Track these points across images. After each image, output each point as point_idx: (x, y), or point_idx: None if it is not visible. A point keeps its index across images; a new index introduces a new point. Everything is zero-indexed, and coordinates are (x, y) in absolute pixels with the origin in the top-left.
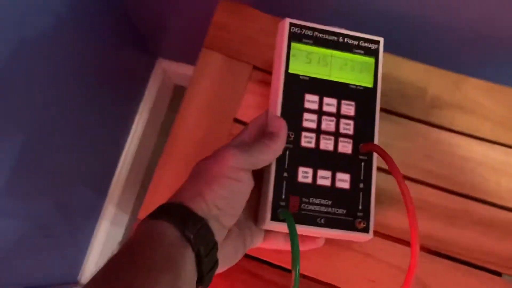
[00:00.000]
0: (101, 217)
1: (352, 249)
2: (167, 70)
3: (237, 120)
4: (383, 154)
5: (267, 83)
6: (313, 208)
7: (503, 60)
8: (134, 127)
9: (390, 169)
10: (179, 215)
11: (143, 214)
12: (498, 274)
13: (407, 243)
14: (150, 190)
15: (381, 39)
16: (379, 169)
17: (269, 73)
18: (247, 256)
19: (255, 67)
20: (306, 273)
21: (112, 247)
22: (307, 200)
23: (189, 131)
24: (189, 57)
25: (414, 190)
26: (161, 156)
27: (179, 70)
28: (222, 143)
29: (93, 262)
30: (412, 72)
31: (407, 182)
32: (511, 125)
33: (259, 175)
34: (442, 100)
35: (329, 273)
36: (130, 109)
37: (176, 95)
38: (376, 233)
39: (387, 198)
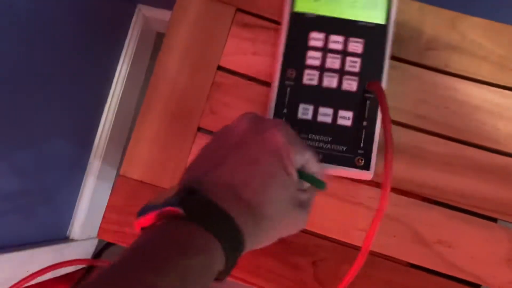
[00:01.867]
0: (87, 172)
1: (343, 200)
2: (148, 17)
3: (220, 68)
4: (380, 95)
5: (252, 26)
6: (312, 144)
7: None
8: (115, 78)
9: (381, 109)
10: (227, 235)
11: (125, 169)
12: (494, 220)
13: (403, 193)
14: (131, 145)
15: None
16: None
17: (254, 15)
18: None
19: (239, 9)
20: None
21: (100, 202)
22: (305, 136)
23: (169, 81)
24: (171, 1)
25: (408, 136)
26: (141, 108)
27: (161, 17)
28: (205, 93)
29: (81, 217)
30: (406, 11)
31: (401, 128)
32: (510, 66)
33: None
34: (438, 41)
35: (320, 224)
36: (111, 60)
37: (159, 44)
38: (367, 183)
39: (382, 146)
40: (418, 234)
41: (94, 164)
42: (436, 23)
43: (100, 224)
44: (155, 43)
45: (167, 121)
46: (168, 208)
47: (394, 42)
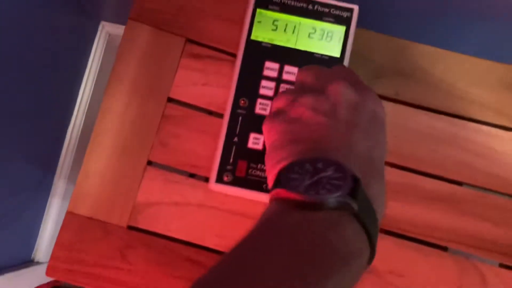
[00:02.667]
0: (52, 193)
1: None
2: (112, 34)
3: (170, 99)
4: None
5: (202, 57)
6: (260, 174)
7: (450, 23)
8: (79, 97)
9: None
10: (375, 231)
11: (73, 205)
12: (445, 248)
13: None
14: (79, 180)
15: (355, 7)
16: None
17: (205, 45)
18: (186, 243)
19: (189, 40)
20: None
21: None
22: (255, 166)
23: (117, 114)
24: None
25: None
26: (89, 143)
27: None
28: (155, 126)
29: (47, 239)
30: (356, 40)
31: None
32: (459, 94)
33: None
34: (388, 69)
35: None
36: (74, 79)
37: None
38: None
39: None
40: (372, 265)
41: (59, 184)
42: (386, 51)
43: (49, 262)
44: None
45: (116, 155)
46: (337, 200)
47: None
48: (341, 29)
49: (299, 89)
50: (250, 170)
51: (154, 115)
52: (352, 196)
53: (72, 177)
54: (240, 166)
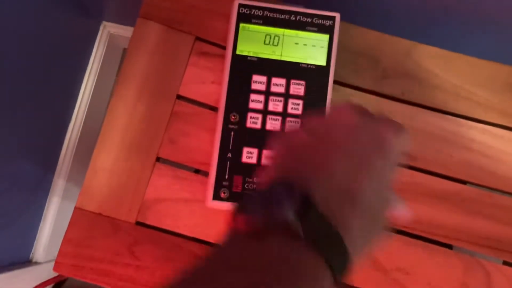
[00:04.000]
0: (51, 192)
1: None
2: (114, 34)
3: (180, 97)
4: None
5: (211, 55)
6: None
7: (455, 25)
8: (80, 96)
9: None
10: (338, 259)
11: (81, 201)
12: (449, 246)
13: None
14: (87, 176)
15: (337, 15)
16: None
17: (213, 44)
18: (194, 240)
19: (198, 38)
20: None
21: (65, 222)
22: (251, 180)
23: (127, 110)
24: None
25: None
26: (98, 139)
27: (127, 34)
28: (164, 123)
29: (45, 239)
30: (364, 40)
31: None
32: (464, 94)
33: None
34: (394, 70)
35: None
36: (75, 78)
37: None
38: None
39: None
40: (377, 261)
41: (59, 183)
42: (393, 52)
43: (56, 258)
44: (121, 59)
45: (125, 152)
46: (282, 219)
47: (352, 70)
48: (325, 37)
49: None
50: (246, 185)
51: (163, 112)
52: (300, 217)
53: (72, 176)
54: (236, 181)
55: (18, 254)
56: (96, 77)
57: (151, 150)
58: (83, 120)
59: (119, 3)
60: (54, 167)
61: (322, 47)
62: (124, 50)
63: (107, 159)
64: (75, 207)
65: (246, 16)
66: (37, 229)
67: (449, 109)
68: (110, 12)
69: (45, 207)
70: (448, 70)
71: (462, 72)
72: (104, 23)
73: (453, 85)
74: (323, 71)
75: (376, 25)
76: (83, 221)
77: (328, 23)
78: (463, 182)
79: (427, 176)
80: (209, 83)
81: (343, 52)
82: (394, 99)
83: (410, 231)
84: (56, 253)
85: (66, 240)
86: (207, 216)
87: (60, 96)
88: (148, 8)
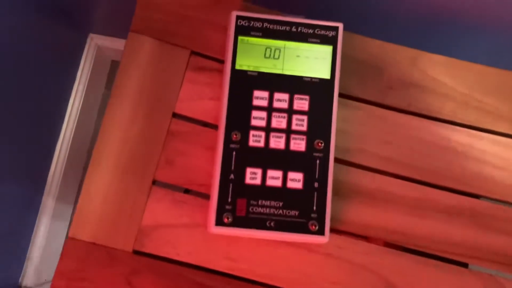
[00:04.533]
0: (40, 212)
1: (311, 250)
2: (101, 46)
3: (176, 115)
4: None
5: (208, 70)
6: (262, 211)
7: (459, 32)
8: (68, 111)
9: None
10: None
11: (74, 231)
12: (465, 265)
13: (369, 239)
14: (80, 203)
15: (340, 25)
16: (339, 160)
17: (210, 58)
18: (196, 267)
19: (194, 52)
20: (262, 280)
21: (55, 242)
22: (255, 203)
23: (120, 130)
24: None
25: (373, 180)
26: (90, 161)
27: (115, 45)
28: (160, 142)
29: (35, 262)
30: (366, 50)
31: (366, 172)
32: (474, 104)
33: None
34: (400, 80)
35: (287, 278)
36: (63, 93)
37: (114, 72)
38: (335, 231)
39: (347, 191)
40: (390, 283)
41: (48, 203)
42: (397, 61)
43: None
44: (110, 71)
45: (119, 175)
46: None
47: (356, 82)
48: (328, 49)
49: None
50: (250, 208)
51: (159, 132)
52: None
53: (61, 195)
54: (240, 204)
55: (7, 278)
56: (84, 91)
57: (147, 172)
58: (72, 136)
59: (107, 14)
60: (43, 186)
61: (325, 59)
62: (112, 62)
63: (101, 183)
64: (68, 237)
65: (245, 28)
66: (27, 252)
67: (457, 120)
68: (97, 24)
69: (34, 228)
70: (455, 79)
71: (469, 81)
72: (92, 35)
73: (461, 94)
74: (327, 84)
75: (379, 34)
76: (77, 251)
77: (331, 34)
78: (476, 196)
79: (437, 191)
80: (207, 100)
81: (345, 63)
82: (400, 110)
83: (422, 250)
84: (48, 275)
85: (58, 273)
86: (209, 241)
87: (47, 112)
88: (140, 21)
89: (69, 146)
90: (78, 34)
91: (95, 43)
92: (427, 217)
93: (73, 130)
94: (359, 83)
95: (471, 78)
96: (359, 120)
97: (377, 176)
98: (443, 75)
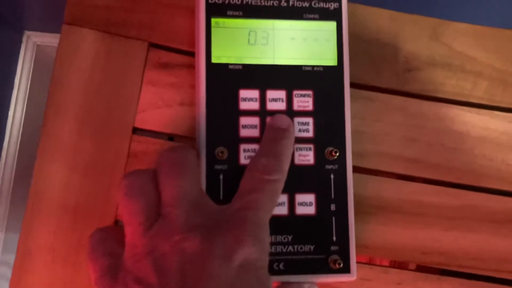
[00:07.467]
0: None
1: (331, 287)
2: (40, 45)
3: (137, 130)
4: None
5: (174, 66)
6: None
7: None
8: (9, 123)
9: None
10: None
11: None
12: None
13: (402, 265)
14: (16, 263)
15: None
16: (354, 168)
17: (175, 50)
18: None
19: (153, 44)
20: None
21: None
22: None
23: (63, 157)
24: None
25: (398, 189)
26: (27, 207)
27: (55, 42)
28: (119, 170)
29: None
30: (377, 24)
31: (388, 180)
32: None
33: None
34: (420, 59)
35: None
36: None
37: None
38: (362, 262)
39: (367, 208)
40: None
41: None
42: (414, 35)
43: None
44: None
45: (68, 220)
46: None
47: (365, 66)
48: (331, 26)
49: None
50: None
51: (116, 155)
52: None
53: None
54: None
55: None
56: (27, 97)
57: (104, 212)
58: (17, 151)
59: (42, 7)
60: None
61: (328, 40)
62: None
63: (43, 232)
64: None
65: (219, 7)
66: None
67: (495, 103)
68: (32, 19)
69: None
70: (487, 51)
71: (505, 52)
72: (27, 32)
73: (496, 69)
74: (334, 72)
75: (389, 3)
76: None
77: (332, 6)
78: None
79: (481, 195)
80: (177, 106)
81: (351, 42)
82: (424, 97)
83: (467, 271)
84: None
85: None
86: None
87: None
88: (74, 9)
89: (15, 159)
90: (8, 31)
91: (32, 41)
92: (469, 230)
93: (17, 148)
94: (369, 67)
95: (508, 49)
96: (374, 114)
97: (403, 183)
98: (472, 48)
